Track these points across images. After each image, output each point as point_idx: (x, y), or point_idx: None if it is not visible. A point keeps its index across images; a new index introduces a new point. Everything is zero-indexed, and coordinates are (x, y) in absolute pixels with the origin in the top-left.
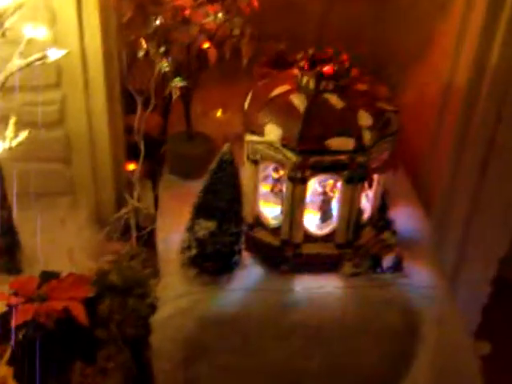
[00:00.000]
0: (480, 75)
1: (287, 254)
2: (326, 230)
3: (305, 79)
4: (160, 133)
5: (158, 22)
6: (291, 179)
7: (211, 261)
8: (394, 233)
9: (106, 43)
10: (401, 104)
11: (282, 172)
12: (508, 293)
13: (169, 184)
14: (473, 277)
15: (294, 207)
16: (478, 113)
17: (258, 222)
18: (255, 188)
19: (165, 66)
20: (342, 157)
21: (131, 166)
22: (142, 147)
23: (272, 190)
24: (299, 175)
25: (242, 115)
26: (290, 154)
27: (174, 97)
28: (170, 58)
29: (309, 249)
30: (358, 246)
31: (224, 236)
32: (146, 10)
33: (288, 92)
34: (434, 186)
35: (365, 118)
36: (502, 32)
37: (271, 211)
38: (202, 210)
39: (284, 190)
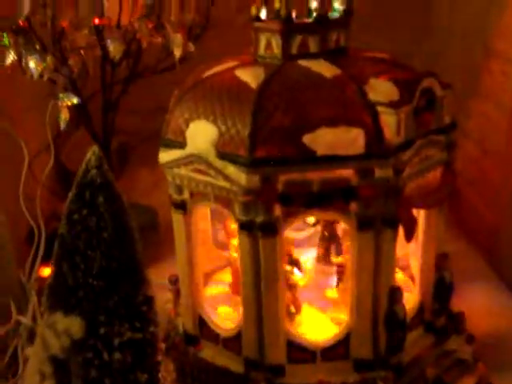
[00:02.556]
0: None
1: None
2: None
3: (263, 38)
4: None
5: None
6: (244, 227)
7: None
8: (470, 339)
9: None
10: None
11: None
12: None
13: None
14: None
15: (256, 289)
16: None
17: (204, 330)
18: (190, 260)
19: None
20: (344, 170)
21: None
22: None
23: None
24: (260, 218)
25: None
26: (235, 171)
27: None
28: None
29: (300, 375)
30: (400, 365)
31: (104, 346)
32: None
33: (234, 67)
34: None
35: (382, 89)
36: None
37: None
38: (56, 294)
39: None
